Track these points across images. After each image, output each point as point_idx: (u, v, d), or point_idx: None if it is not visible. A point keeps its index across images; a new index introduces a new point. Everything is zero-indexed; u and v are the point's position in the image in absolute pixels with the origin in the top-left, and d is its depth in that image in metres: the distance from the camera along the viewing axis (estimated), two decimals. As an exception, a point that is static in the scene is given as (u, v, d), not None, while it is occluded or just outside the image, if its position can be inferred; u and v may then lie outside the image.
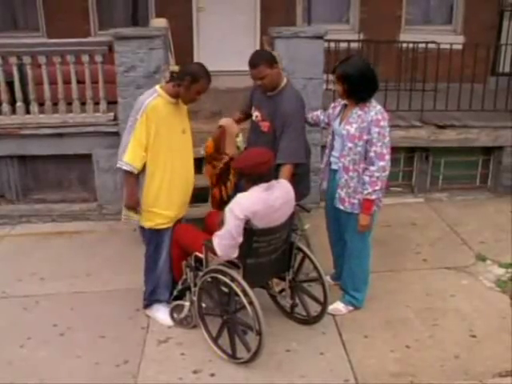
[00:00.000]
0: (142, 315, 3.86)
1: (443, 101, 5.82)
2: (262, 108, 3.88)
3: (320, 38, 5.08)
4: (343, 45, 5.81)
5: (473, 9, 7.57)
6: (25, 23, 7.73)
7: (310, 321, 3.71)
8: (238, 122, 4.11)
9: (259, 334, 3.17)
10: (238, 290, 3.20)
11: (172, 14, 6.97)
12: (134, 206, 3.57)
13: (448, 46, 5.71)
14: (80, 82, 5.27)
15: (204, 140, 4.13)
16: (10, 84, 5.38)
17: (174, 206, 3.63)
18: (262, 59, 3.71)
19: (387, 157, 3.51)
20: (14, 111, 5.40)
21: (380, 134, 3.48)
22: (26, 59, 5.20)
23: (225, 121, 4.00)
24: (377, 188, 3.52)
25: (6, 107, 5.38)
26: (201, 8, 7.48)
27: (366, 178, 3.53)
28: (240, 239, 3.21)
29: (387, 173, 3.54)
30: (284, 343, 3.54)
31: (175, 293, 3.70)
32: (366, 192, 3.54)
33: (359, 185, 3.58)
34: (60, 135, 5.38)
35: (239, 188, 3.51)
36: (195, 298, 3.51)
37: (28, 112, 5.39)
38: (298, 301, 3.72)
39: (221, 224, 3.30)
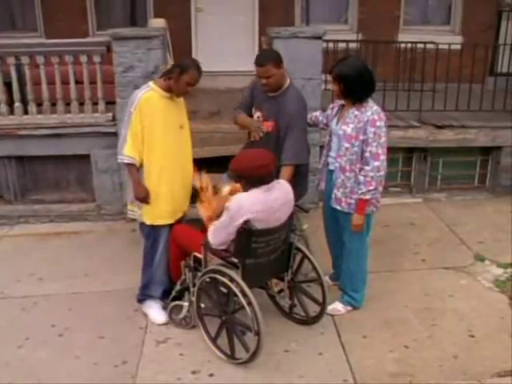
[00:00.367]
0: (141, 315, 3.85)
1: (441, 101, 5.82)
2: (264, 108, 3.87)
3: (318, 38, 5.08)
4: (342, 45, 5.81)
5: (471, 9, 7.57)
6: (23, 23, 7.71)
7: (308, 321, 3.71)
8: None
9: (258, 334, 3.17)
10: (237, 291, 3.20)
11: (170, 15, 6.96)
12: (144, 196, 3.57)
13: (446, 47, 5.72)
14: (78, 82, 5.27)
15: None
16: (7, 84, 5.37)
17: (173, 200, 3.65)
18: (270, 58, 3.72)
19: (382, 157, 3.51)
20: (12, 112, 5.39)
21: (376, 134, 3.48)
22: (24, 59, 5.18)
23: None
24: (371, 188, 3.52)
25: (3, 108, 5.37)
26: (199, 8, 7.47)
27: (361, 178, 3.53)
28: (232, 237, 3.23)
29: (382, 173, 3.54)
30: (283, 343, 3.54)
31: (174, 293, 3.70)
32: (360, 192, 3.54)
33: (356, 185, 3.59)
34: (58, 136, 5.37)
35: None
36: (194, 299, 3.51)
37: (26, 112, 5.38)
38: (296, 301, 3.72)
39: (219, 216, 3.33)
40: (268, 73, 3.69)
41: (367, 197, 3.54)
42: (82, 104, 5.35)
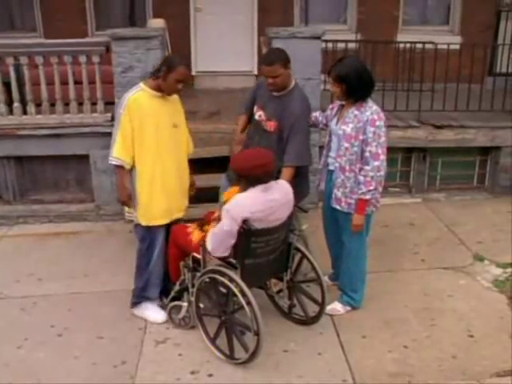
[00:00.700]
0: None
1: (441, 101, 5.82)
2: (267, 108, 3.84)
3: (318, 38, 5.08)
4: (341, 45, 5.82)
5: (470, 9, 7.58)
6: (22, 24, 7.71)
7: (307, 321, 3.71)
8: (244, 128, 4.07)
9: (257, 334, 3.17)
10: (236, 291, 3.20)
11: (169, 15, 6.96)
12: (126, 200, 3.58)
13: (445, 47, 5.73)
14: (77, 82, 5.26)
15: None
16: (7, 84, 5.37)
17: (168, 198, 3.62)
18: (278, 58, 3.69)
19: (382, 157, 3.51)
20: (11, 112, 5.39)
21: (375, 133, 3.48)
22: (23, 60, 5.18)
23: None
24: (371, 188, 3.52)
25: (3, 108, 5.37)
26: (198, 8, 7.47)
27: (361, 178, 3.53)
28: (233, 240, 3.21)
29: (382, 173, 3.54)
30: (282, 343, 3.54)
31: (173, 293, 3.69)
32: (360, 192, 3.54)
33: (356, 185, 3.59)
34: (57, 136, 5.37)
35: None
36: (193, 299, 3.50)
37: (25, 113, 5.37)
38: (295, 301, 3.72)
39: (217, 220, 3.30)
40: (275, 72, 3.66)
41: (367, 197, 3.54)
42: (80, 104, 5.35)
